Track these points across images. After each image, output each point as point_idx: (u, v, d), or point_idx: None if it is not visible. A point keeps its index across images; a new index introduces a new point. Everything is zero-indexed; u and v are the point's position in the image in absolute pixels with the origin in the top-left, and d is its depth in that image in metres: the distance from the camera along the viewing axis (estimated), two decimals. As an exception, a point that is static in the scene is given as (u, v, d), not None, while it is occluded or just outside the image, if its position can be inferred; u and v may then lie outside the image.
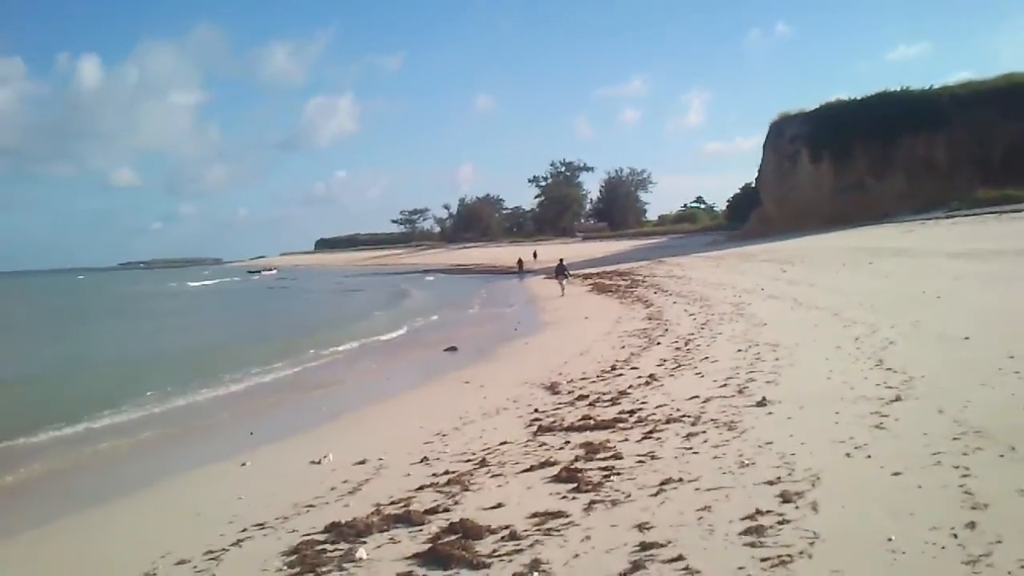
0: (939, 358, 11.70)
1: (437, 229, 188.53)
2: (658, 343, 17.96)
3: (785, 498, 6.47)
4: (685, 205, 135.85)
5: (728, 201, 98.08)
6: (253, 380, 19.28)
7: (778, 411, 9.54)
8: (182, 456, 12.20)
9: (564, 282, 42.62)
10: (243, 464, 10.82)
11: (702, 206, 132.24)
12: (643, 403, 11.20)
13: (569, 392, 13.20)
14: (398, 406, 14.31)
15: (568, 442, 9.34)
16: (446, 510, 7.34)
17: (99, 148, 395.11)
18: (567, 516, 6.71)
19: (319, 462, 10.15)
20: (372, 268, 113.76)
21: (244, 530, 7.63)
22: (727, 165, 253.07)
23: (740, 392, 10.97)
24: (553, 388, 13.78)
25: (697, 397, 11.00)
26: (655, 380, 13.09)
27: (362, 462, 9.88)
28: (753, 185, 77.98)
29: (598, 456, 8.47)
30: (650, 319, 23.50)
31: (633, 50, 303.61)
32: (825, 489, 6.61)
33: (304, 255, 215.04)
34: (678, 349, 16.49)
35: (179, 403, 16.81)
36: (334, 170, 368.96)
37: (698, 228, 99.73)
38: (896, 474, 6.80)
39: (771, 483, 6.90)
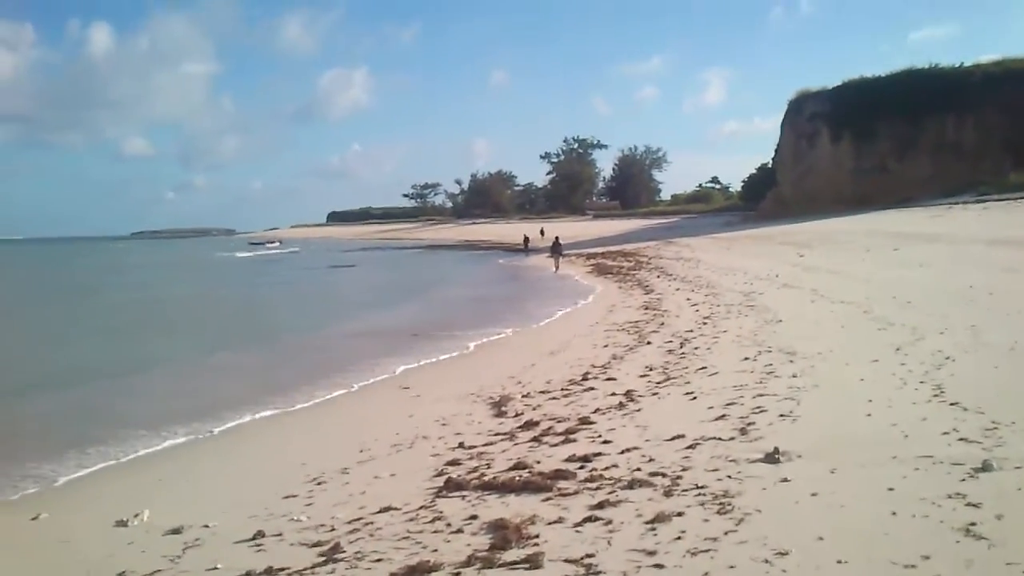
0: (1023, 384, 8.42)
1: (449, 204, 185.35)
2: (648, 342, 14.73)
3: None
4: (700, 185, 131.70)
5: (743, 181, 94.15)
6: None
7: (797, 475, 6.28)
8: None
9: (559, 260, 42.49)
10: (34, 518, 7.64)
11: (717, 186, 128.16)
12: (605, 443, 7.95)
13: (517, 414, 9.97)
14: (301, 422, 11.08)
15: (475, 517, 6.12)
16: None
17: (111, 117, 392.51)
18: None
19: (126, 523, 6.95)
20: (378, 242, 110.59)
21: None
22: (745, 146, 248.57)
23: (742, 432, 7.70)
24: (500, 405, 10.57)
25: (682, 438, 7.73)
26: (631, 401, 9.84)
27: (177, 530, 6.68)
28: (770, 165, 74.35)
29: (506, 555, 5.25)
30: (646, 308, 20.28)
31: (654, 27, 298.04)
32: None
33: (315, 227, 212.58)
34: (670, 352, 13.25)
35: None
36: (348, 143, 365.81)
37: (712, 209, 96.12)
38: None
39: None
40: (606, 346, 14.97)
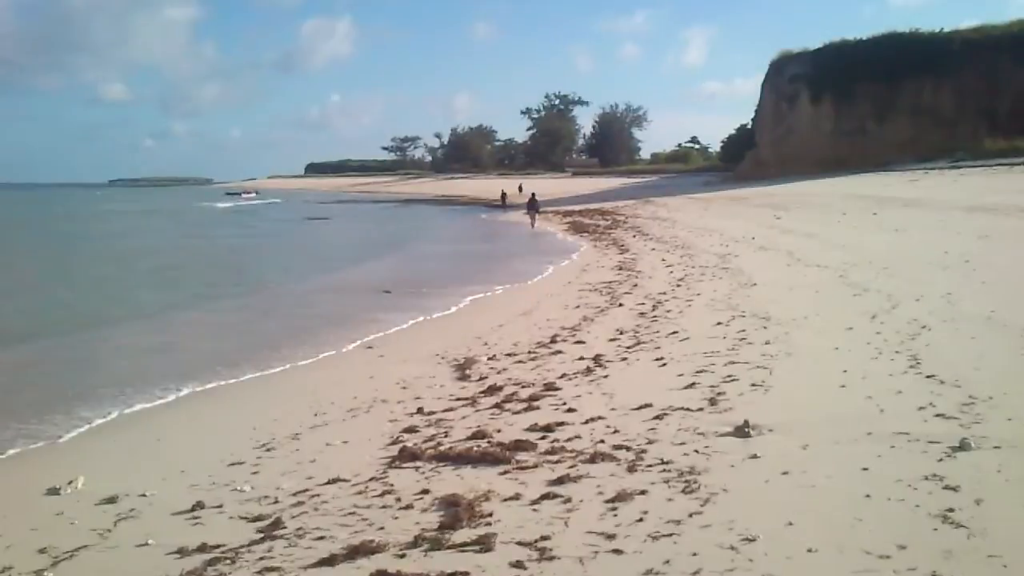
0: (1001, 357, 8.16)
1: (428, 158, 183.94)
2: (621, 304, 14.40)
3: None
4: (679, 145, 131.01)
5: (723, 142, 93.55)
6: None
7: (767, 451, 5.98)
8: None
9: (536, 216, 41.92)
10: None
11: (696, 146, 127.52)
12: (569, 411, 7.62)
13: (481, 378, 9.61)
14: (255, 386, 10.66)
15: (427, 492, 5.77)
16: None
17: (90, 61, 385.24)
18: None
19: (59, 491, 6.55)
20: (355, 195, 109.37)
21: None
22: (725, 106, 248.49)
23: (712, 402, 7.39)
24: (464, 367, 10.20)
25: (649, 407, 7.42)
26: (599, 366, 9.51)
27: (112, 499, 6.29)
28: (749, 126, 73.87)
29: (455, 536, 4.91)
30: (620, 269, 19.96)
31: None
32: None
33: (293, 179, 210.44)
34: (642, 315, 12.93)
35: None
36: (328, 94, 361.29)
37: (691, 168, 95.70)
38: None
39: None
40: (577, 307, 14.63)
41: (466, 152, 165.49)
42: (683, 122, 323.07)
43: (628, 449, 6.29)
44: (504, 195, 65.56)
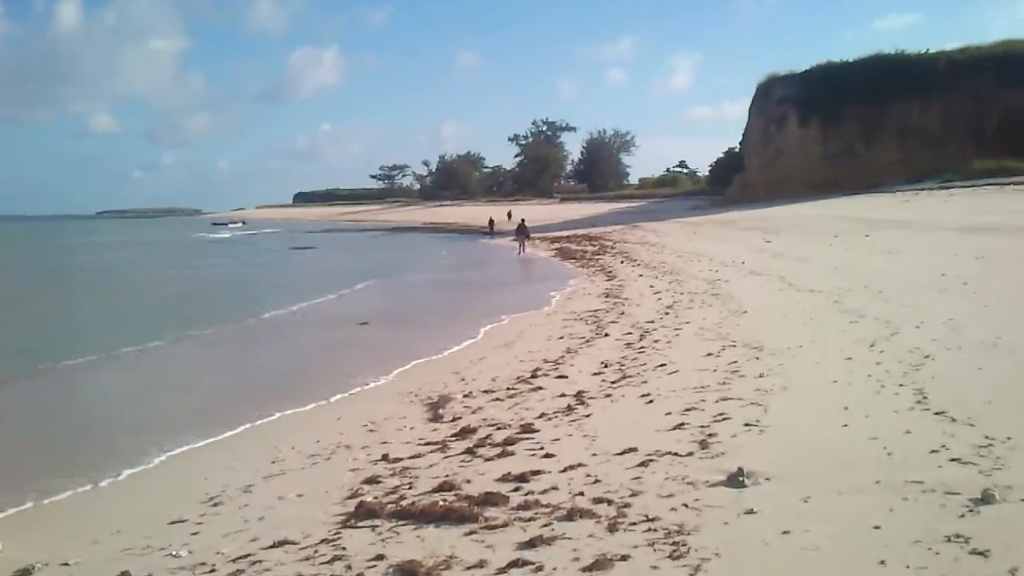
0: (1014, 390, 7.55)
1: (416, 186, 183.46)
2: (606, 334, 13.78)
3: None
4: (668, 169, 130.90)
5: (711, 166, 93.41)
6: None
7: (764, 504, 5.32)
8: None
9: (525, 243, 41.50)
10: None
11: (685, 171, 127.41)
12: (547, 457, 6.97)
13: (455, 418, 8.94)
14: (214, 425, 9.95)
15: (381, 557, 5.09)
16: None
17: (78, 93, 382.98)
18: None
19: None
20: (342, 224, 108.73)
21: None
22: (713, 130, 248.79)
23: (703, 446, 6.74)
24: (438, 406, 9.53)
25: (634, 452, 6.76)
26: (582, 404, 8.86)
27: (26, 572, 5.59)
28: (737, 150, 73.66)
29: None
30: (607, 296, 19.34)
31: (623, 9, 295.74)
32: None
33: (280, 208, 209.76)
34: (629, 346, 12.30)
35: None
36: (317, 123, 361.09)
37: (679, 193, 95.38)
38: None
39: None
40: (561, 338, 14.00)
41: (454, 179, 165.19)
42: (671, 147, 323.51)
43: (609, 503, 5.63)
44: (492, 222, 64.96)
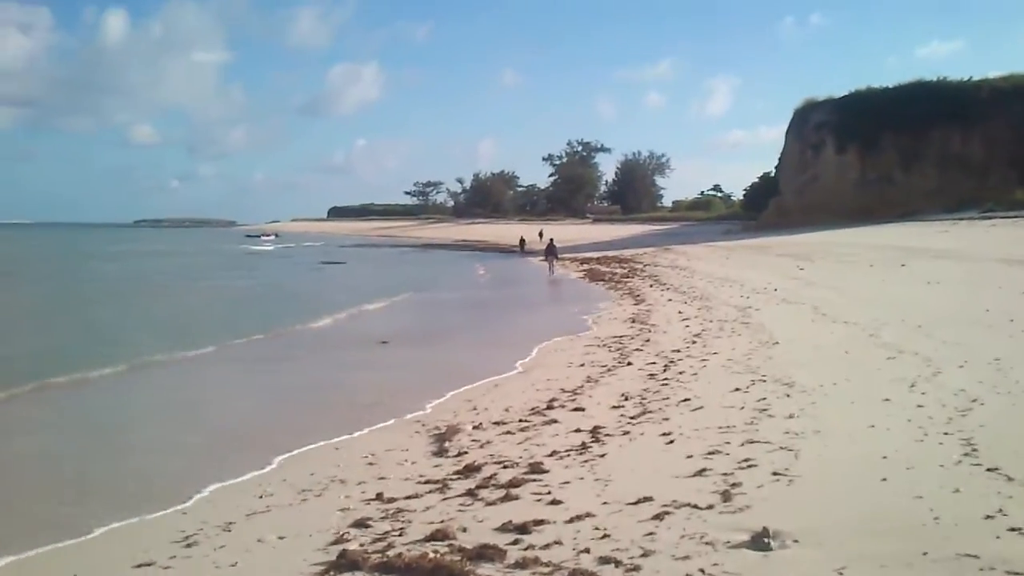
0: (1073, 445, 6.82)
1: (450, 203, 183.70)
2: (629, 362, 13.15)
3: None
4: (702, 192, 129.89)
5: (745, 190, 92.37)
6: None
7: (793, 572, 4.66)
8: None
9: (554, 263, 40.70)
10: None
11: (719, 194, 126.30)
12: (553, 503, 6.36)
13: (460, 453, 8.35)
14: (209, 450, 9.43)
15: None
16: None
17: (121, 104, 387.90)
18: None
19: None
20: (374, 239, 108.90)
21: None
22: (749, 154, 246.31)
23: (724, 497, 6.09)
24: (444, 439, 8.96)
25: (649, 501, 6.13)
26: (597, 442, 8.23)
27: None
28: (773, 174, 72.74)
29: None
30: (633, 321, 18.70)
31: (662, 32, 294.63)
32: None
33: (314, 222, 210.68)
34: (652, 376, 11.65)
35: None
36: (354, 138, 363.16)
37: (713, 216, 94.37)
38: None
39: None
40: (582, 365, 13.38)
41: (488, 197, 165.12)
42: (706, 170, 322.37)
43: (617, 563, 5.01)
44: (523, 241, 64.58)
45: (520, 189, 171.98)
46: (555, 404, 10.31)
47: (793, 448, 7.24)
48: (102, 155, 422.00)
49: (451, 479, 7.37)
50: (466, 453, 8.27)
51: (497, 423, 9.54)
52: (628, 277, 33.23)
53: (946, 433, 7.27)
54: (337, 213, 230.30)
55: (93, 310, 26.02)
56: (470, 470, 7.54)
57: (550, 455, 7.82)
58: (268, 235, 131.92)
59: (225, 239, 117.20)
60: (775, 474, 6.56)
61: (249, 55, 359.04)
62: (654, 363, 12.76)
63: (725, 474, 6.66)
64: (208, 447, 9.48)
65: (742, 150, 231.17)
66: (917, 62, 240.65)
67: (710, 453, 7.33)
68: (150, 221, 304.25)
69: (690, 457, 7.29)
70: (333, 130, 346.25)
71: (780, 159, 67.44)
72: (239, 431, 10.30)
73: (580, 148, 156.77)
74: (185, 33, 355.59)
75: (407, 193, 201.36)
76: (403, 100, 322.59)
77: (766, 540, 5.13)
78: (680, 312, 19.30)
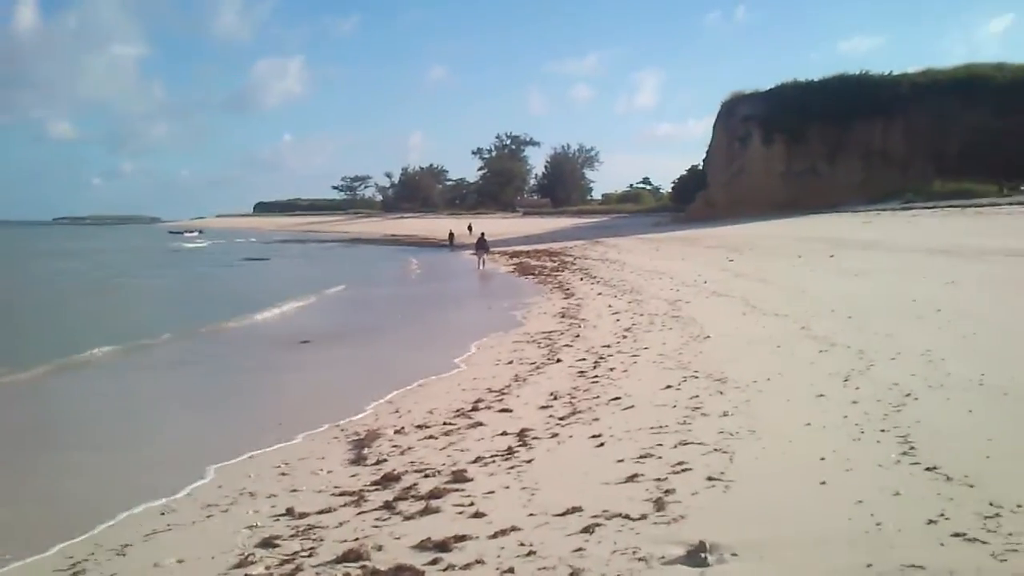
0: (1012, 439, 6.63)
1: (379, 197, 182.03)
2: (559, 359, 12.75)
3: None
4: (631, 185, 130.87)
5: (673, 183, 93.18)
6: None
7: (733, 593, 4.31)
8: None
9: (484, 257, 40.18)
10: None
11: (648, 187, 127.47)
12: (476, 516, 5.92)
13: (379, 461, 7.85)
14: (109, 456, 8.76)
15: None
16: None
17: (37, 98, 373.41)
18: None
19: None
20: (300, 234, 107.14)
21: None
22: (677, 147, 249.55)
23: (658, 506, 5.73)
24: (364, 444, 8.45)
25: (578, 511, 5.73)
26: (524, 446, 7.81)
27: None
28: (701, 167, 73.40)
29: None
30: (563, 316, 18.36)
31: (590, 25, 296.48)
32: None
33: (240, 218, 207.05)
34: (582, 374, 11.30)
35: None
36: (280, 134, 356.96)
37: (642, 209, 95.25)
38: None
39: None
40: (510, 362, 12.97)
41: (417, 191, 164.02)
42: (635, 163, 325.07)
43: (545, 584, 4.58)
44: (452, 235, 64.05)
45: (449, 183, 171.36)
46: (481, 405, 9.87)
47: (728, 450, 6.93)
48: (17, 151, 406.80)
49: (368, 490, 6.88)
50: (385, 460, 7.78)
51: (420, 426, 9.06)
52: (558, 271, 32.97)
53: (882, 430, 7.04)
54: (263, 208, 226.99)
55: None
56: (389, 479, 7.06)
57: (474, 461, 7.38)
58: (192, 231, 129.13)
59: (147, 236, 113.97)
60: (710, 479, 6.22)
61: (170, 49, 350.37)
62: (584, 359, 12.41)
63: (658, 479, 6.31)
64: (109, 464, 8.77)
65: (671, 143, 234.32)
66: (839, 57, 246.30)
67: (642, 456, 6.98)
68: (70, 219, 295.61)
69: (621, 461, 6.92)
70: (259, 125, 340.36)
71: (708, 152, 68.05)
72: (139, 445, 9.57)
73: (509, 142, 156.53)
74: (102, 26, 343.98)
75: (335, 188, 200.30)
76: (330, 95, 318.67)
77: (703, 555, 4.78)
78: (610, 306, 19.03)
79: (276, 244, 79.52)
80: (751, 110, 59.94)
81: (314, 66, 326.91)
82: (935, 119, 51.42)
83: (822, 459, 6.40)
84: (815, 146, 55.43)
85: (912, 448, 6.45)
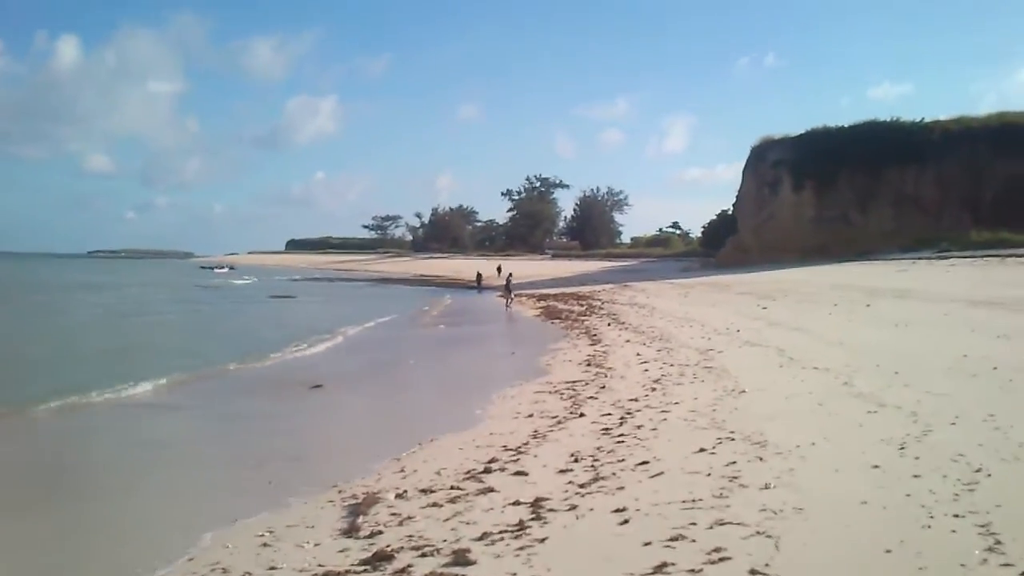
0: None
1: (408, 237, 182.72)
2: (582, 413, 11.81)
3: None
4: (660, 229, 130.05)
5: (703, 227, 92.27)
6: None
7: None
8: None
9: (510, 299, 40.41)
10: None
11: (677, 231, 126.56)
12: (475, 615, 4.98)
13: (374, 532, 6.94)
14: (80, 519, 7.91)
15: None
16: None
17: (74, 132, 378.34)
18: None
19: None
20: (330, 272, 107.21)
21: None
22: (707, 192, 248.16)
23: (692, 612, 4.75)
24: (360, 510, 7.55)
25: (595, 614, 4.77)
26: (537, 518, 6.87)
27: None
28: (730, 212, 72.47)
29: None
30: (589, 364, 17.43)
31: (620, 70, 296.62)
32: None
33: (272, 255, 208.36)
34: (606, 431, 10.34)
35: None
36: (312, 171, 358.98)
37: (671, 253, 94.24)
38: None
39: None
40: (530, 415, 12.04)
41: (446, 232, 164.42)
42: (664, 207, 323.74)
43: None
44: (480, 276, 63.49)
45: (479, 224, 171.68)
46: (494, 467, 8.94)
47: (772, 534, 5.95)
48: (56, 184, 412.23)
49: (356, 571, 5.96)
50: (381, 532, 6.87)
51: (424, 490, 8.15)
52: (585, 315, 32.03)
53: (956, 515, 6.03)
54: (295, 246, 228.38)
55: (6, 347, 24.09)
56: (380, 559, 6.15)
57: (480, 538, 6.45)
58: (223, 267, 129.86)
59: (179, 271, 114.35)
60: (754, 572, 5.25)
61: (205, 86, 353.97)
62: (609, 414, 11.46)
63: (692, 571, 5.34)
64: (72, 534, 7.90)
65: (700, 187, 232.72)
66: (870, 103, 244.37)
67: (672, 539, 6.02)
68: (106, 252, 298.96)
69: (648, 544, 5.97)
70: (291, 162, 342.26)
71: (737, 197, 67.10)
72: (109, 509, 8.68)
73: (539, 184, 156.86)
74: (139, 62, 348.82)
75: (365, 227, 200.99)
76: (361, 133, 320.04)
77: None
78: (639, 354, 18.07)
79: (305, 282, 79.21)
80: (781, 155, 59.08)
81: (347, 105, 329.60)
82: (968, 167, 50.52)
83: (888, 552, 5.42)
84: (845, 192, 54.42)
85: (998, 543, 5.44)
